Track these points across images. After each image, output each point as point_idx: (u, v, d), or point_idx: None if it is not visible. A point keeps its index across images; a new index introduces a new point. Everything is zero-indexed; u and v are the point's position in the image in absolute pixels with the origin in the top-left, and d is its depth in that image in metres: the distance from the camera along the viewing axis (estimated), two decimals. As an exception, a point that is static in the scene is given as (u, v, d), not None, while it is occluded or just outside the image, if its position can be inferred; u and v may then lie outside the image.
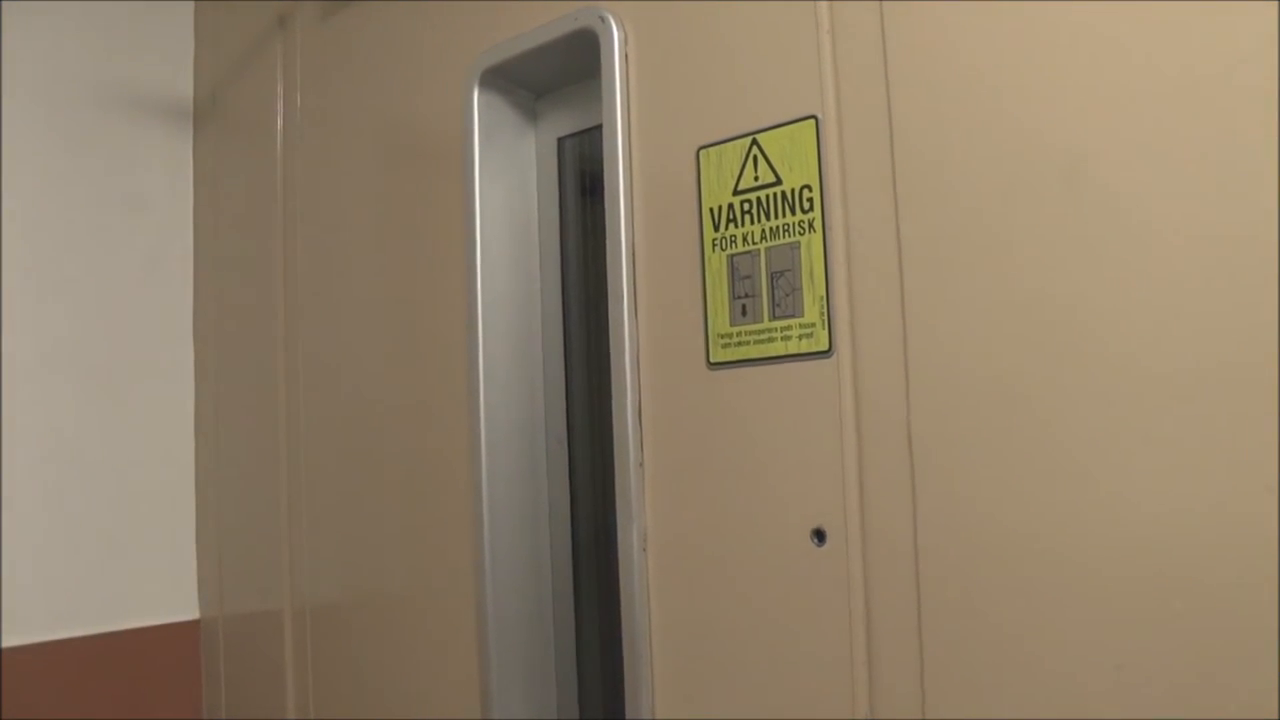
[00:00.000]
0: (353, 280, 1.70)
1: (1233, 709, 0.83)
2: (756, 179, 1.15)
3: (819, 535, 1.08)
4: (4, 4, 1.85)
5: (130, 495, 1.94)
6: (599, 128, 1.32)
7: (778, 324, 1.12)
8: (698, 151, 1.21)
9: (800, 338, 1.10)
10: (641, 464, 1.24)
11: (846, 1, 1.09)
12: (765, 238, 1.14)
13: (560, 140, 1.53)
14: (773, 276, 1.13)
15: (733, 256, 1.17)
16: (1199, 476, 0.85)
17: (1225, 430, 0.84)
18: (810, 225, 1.10)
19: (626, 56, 1.29)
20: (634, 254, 1.26)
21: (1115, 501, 0.89)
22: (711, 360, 1.18)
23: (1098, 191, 0.91)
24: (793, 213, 1.12)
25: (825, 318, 1.08)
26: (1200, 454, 0.85)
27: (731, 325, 1.16)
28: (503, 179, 1.49)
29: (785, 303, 1.12)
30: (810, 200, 1.11)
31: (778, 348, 1.12)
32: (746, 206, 1.16)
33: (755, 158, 1.15)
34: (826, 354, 1.08)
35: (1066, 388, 0.92)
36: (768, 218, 1.14)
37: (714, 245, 1.18)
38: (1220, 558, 0.84)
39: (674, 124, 1.23)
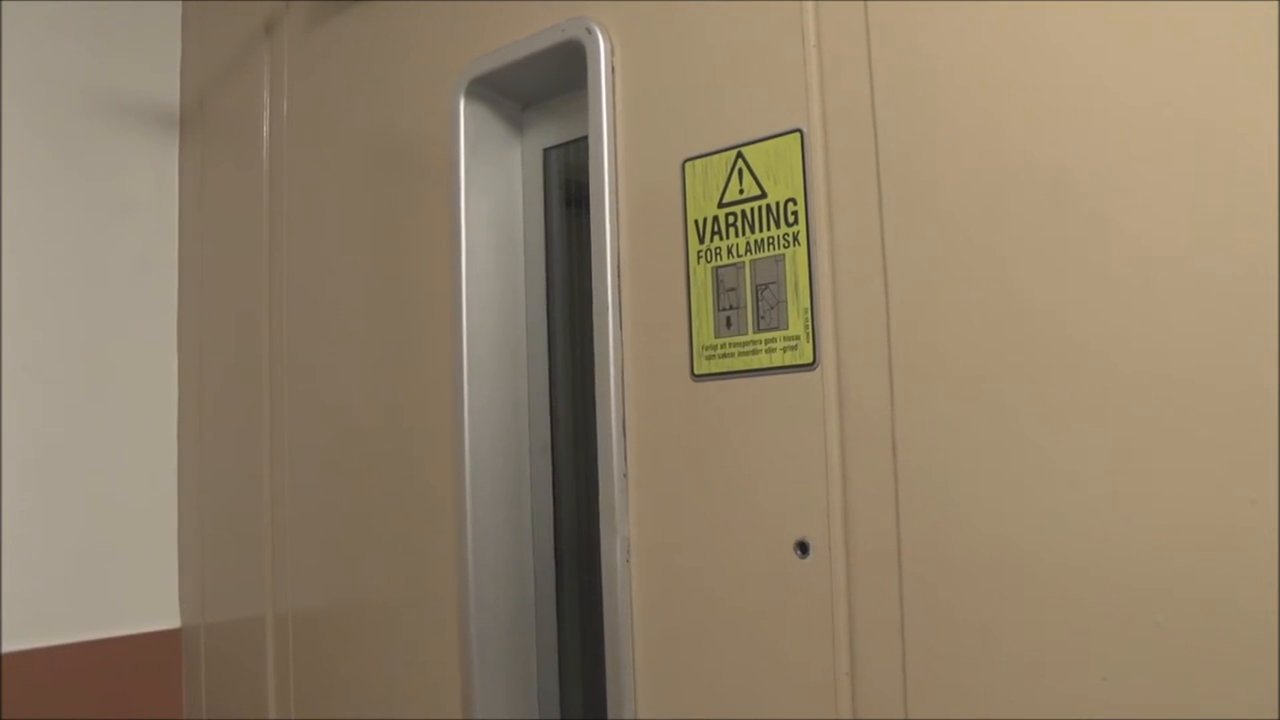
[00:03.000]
0: (338, 288, 1.69)
1: (1216, 721, 0.83)
2: (741, 192, 1.15)
3: (802, 547, 1.08)
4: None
5: (112, 502, 1.93)
6: (585, 139, 1.32)
7: (762, 336, 1.13)
8: (683, 164, 1.21)
9: (785, 350, 1.11)
10: (625, 475, 1.24)
11: (833, 16, 1.09)
12: (750, 250, 1.14)
13: (546, 151, 1.53)
14: (757, 289, 1.14)
15: (718, 269, 1.17)
16: (1182, 489, 0.85)
17: (1208, 442, 0.84)
18: (795, 238, 1.11)
19: (613, 68, 1.29)
20: (619, 265, 1.26)
21: (1099, 513, 0.89)
22: (696, 372, 1.18)
23: (1082, 204, 0.91)
24: (777, 226, 1.12)
25: (810, 330, 1.09)
26: (1183, 466, 0.85)
27: (716, 337, 1.17)
28: (489, 189, 1.49)
29: (770, 315, 1.12)
30: (795, 213, 1.11)
31: (762, 360, 1.13)
32: (731, 219, 1.16)
33: (740, 170, 1.16)
34: (811, 367, 1.09)
35: (1051, 400, 0.93)
36: (753, 230, 1.14)
37: (699, 257, 1.19)
38: (1203, 570, 0.84)
39: (660, 136, 1.24)
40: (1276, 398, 0.81)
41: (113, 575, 1.92)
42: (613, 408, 1.24)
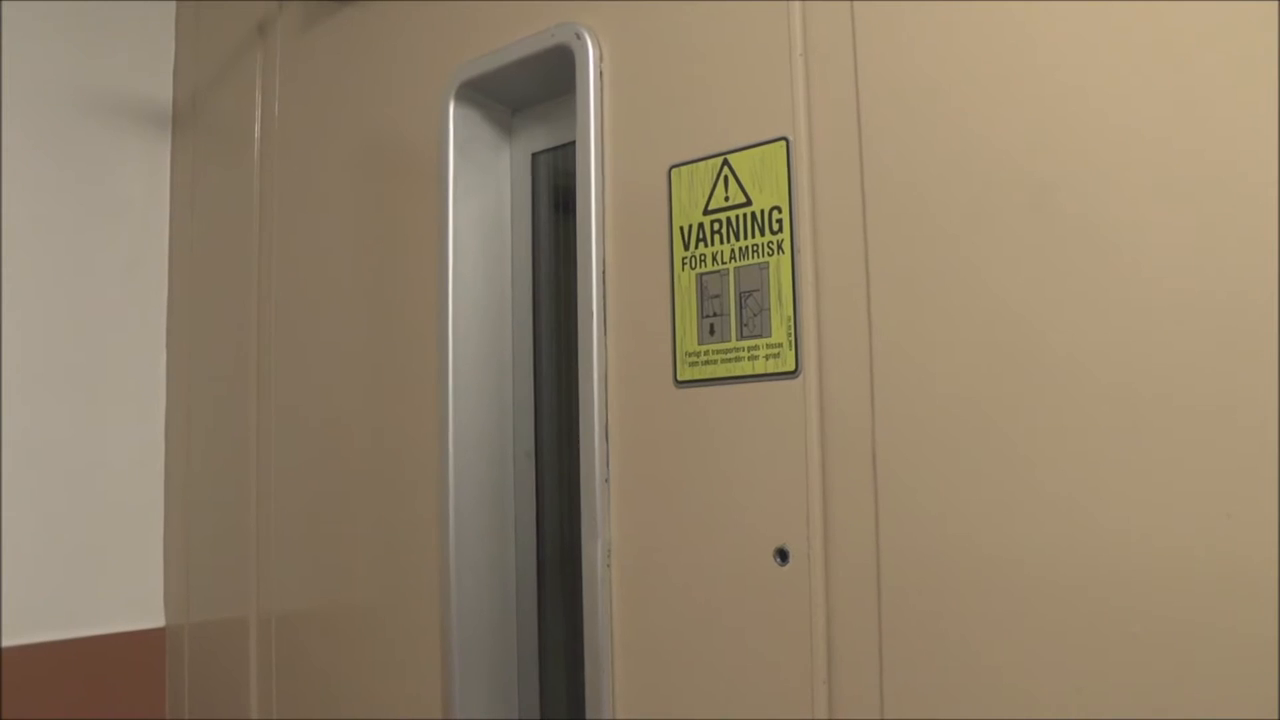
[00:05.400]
0: (326, 289, 1.69)
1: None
2: (727, 199, 1.16)
3: (782, 555, 1.08)
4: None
5: (99, 502, 1.93)
6: (573, 144, 1.32)
7: (745, 344, 1.13)
8: (669, 170, 1.21)
9: (767, 358, 1.11)
10: (607, 480, 1.24)
11: (820, 25, 1.09)
12: (734, 257, 1.15)
13: (535, 155, 1.53)
14: (741, 296, 1.14)
15: (702, 275, 1.17)
16: (1160, 502, 0.86)
17: (1187, 455, 0.85)
18: (779, 246, 1.11)
19: (602, 74, 1.29)
20: (604, 270, 1.26)
21: (1077, 525, 0.90)
22: (679, 378, 1.18)
23: (1066, 216, 0.92)
24: (762, 233, 1.13)
25: (792, 338, 1.09)
26: (1162, 479, 0.86)
27: (699, 344, 1.17)
28: (477, 192, 1.49)
29: (753, 323, 1.13)
30: (780, 221, 1.11)
31: (745, 367, 1.13)
32: (716, 226, 1.17)
33: (726, 178, 1.16)
34: (793, 374, 1.09)
35: (1031, 410, 0.93)
36: (737, 238, 1.15)
37: (684, 264, 1.19)
38: (1180, 583, 0.84)
39: (647, 142, 1.24)
40: (1256, 412, 0.81)
41: (98, 573, 1.92)
42: (595, 412, 1.24)
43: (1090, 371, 0.90)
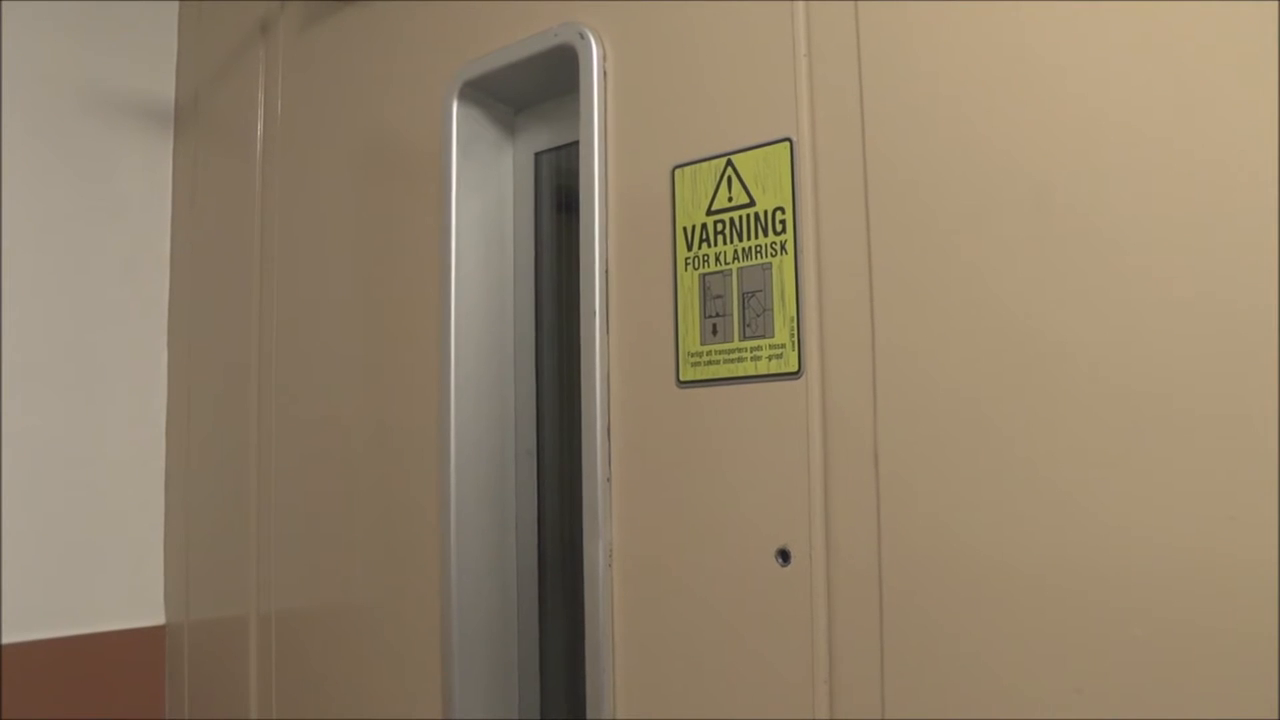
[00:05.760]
0: (327, 288, 1.69)
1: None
2: (730, 199, 1.16)
3: (783, 555, 1.08)
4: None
5: (99, 499, 1.93)
6: (576, 144, 1.32)
7: (748, 344, 1.13)
8: (673, 170, 1.21)
9: (770, 358, 1.11)
10: (609, 479, 1.24)
11: (824, 25, 1.09)
12: (738, 258, 1.15)
13: (537, 155, 1.53)
14: (744, 297, 1.14)
15: (705, 276, 1.17)
16: (1163, 504, 0.86)
17: (1189, 457, 0.85)
18: (782, 247, 1.11)
19: (605, 74, 1.29)
20: (607, 270, 1.27)
21: (1079, 527, 0.90)
22: (681, 378, 1.19)
23: (1067, 217, 0.92)
24: (765, 234, 1.13)
25: (795, 339, 1.09)
26: (1164, 481, 0.86)
27: (702, 344, 1.17)
28: (480, 192, 1.49)
29: (756, 323, 1.13)
30: (783, 222, 1.11)
31: (747, 368, 1.13)
32: (720, 226, 1.17)
33: (729, 178, 1.16)
34: (795, 375, 1.09)
35: (1032, 413, 0.93)
36: (740, 238, 1.15)
37: (687, 264, 1.19)
38: (1181, 585, 0.84)
39: (650, 142, 1.24)
40: (1257, 413, 0.81)
41: (98, 571, 1.92)
42: (597, 412, 1.24)
43: (1092, 372, 0.90)
